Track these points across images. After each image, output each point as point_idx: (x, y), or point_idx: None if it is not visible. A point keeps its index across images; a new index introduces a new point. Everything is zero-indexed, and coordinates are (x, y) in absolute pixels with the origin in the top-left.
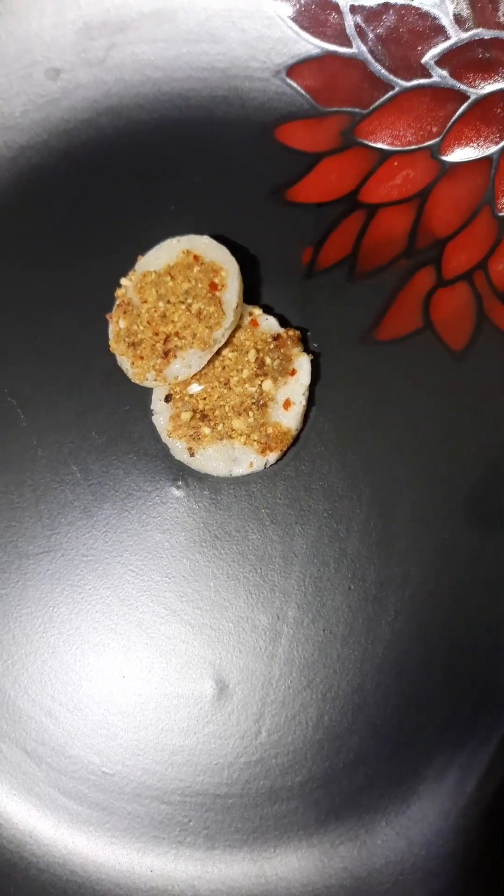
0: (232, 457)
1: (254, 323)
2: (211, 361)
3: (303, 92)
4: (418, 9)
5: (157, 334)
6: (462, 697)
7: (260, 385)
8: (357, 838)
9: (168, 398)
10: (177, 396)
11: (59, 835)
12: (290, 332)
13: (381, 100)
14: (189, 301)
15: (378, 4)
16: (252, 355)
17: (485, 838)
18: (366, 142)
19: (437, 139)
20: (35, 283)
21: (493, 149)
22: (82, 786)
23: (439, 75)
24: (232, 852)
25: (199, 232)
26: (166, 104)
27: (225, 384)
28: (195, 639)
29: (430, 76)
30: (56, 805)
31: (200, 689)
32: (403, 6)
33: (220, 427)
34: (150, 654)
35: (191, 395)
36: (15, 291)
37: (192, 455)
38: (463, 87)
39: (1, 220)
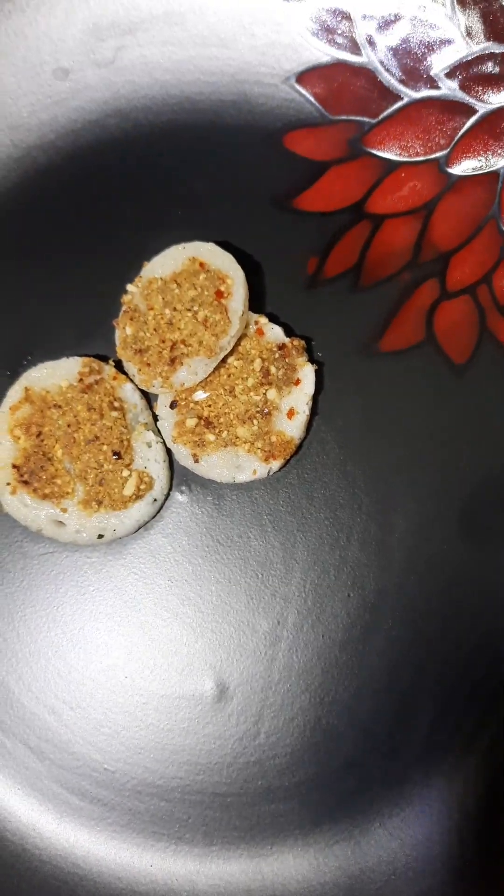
0: (236, 464)
1: (259, 332)
2: (216, 369)
3: (312, 99)
4: (429, 20)
5: (163, 341)
6: (455, 705)
7: (264, 394)
8: (351, 838)
9: (173, 405)
10: (182, 403)
11: (62, 829)
12: (295, 342)
13: (390, 110)
14: (195, 308)
15: (389, 14)
16: (257, 364)
17: (475, 840)
18: (373, 151)
19: (444, 151)
20: (40, 286)
21: (501, 163)
22: (84, 782)
23: (448, 87)
24: (230, 849)
25: (205, 237)
26: (174, 107)
27: (230, 392)
28: (197, 641)
29: (438, 88)
30: (59, 800)
31: (201, 690)
32: (414, 17)
33: (224, 434)
34: (153, 655)
35: (196, 402)
36: (20, 294)
37: (196, 461)
38: (471, 100)
39: (7, 221)
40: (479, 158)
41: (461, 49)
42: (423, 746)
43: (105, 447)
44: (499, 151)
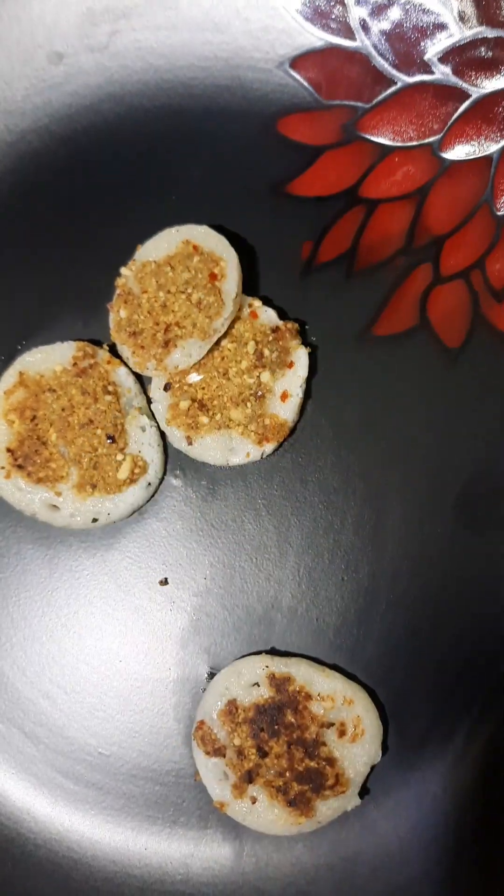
0: (229, 446)
1: (253, 314)
2: (210, 352)
3: (306, 84)
4: (422, 5)
5: (157, 324)
6: (450, 690)
7: (258, 376)
8: (345, 820)
9: (167, 387)
10: (176, 386)
11: (56, 813)
12: (289, 325)
13: (384, 95)
14: (189, 291)
15: None
16: (251, 347)
17: (468, 824)
18: (367, 136)
19: (437, 136)
20: (34, 270)
21: (494, 148)
22: (79, 766)
23: (442, 72)
24: (224, 832)
25: (199, 222)
26: (168, 92)
27: (224, 375)
28: (191, 625)
29: (432, 73)
30: (53, 784)
31: (195, 674)
32: (407, 2)
33: (217, 417)
34: (147, 639)
35: (190, 385)
36: (14, 279)
37: (189, 444)
38: (465, 84)
39: (0, 206)
40: (473, 143)
41: (454, 33)
42: (417, 729)
43: (99, 431)
44: (492, 136)
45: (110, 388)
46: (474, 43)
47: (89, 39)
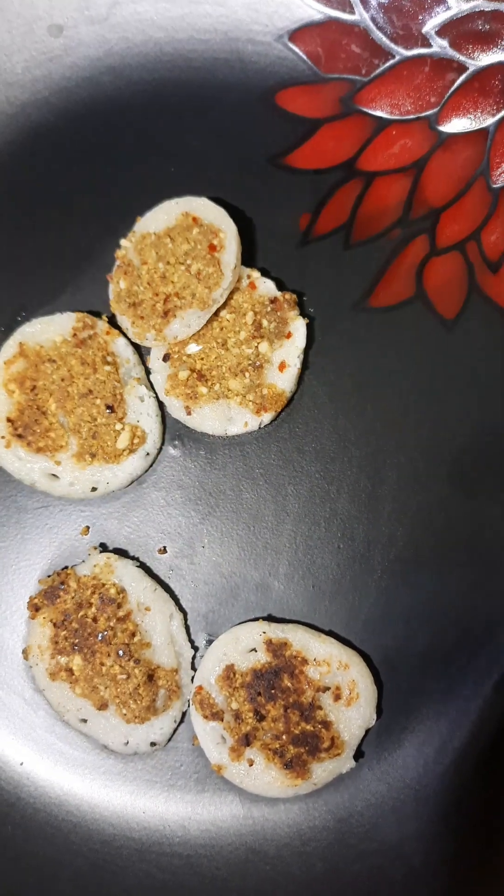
0: (228, 416)
1: (252, 285)
2: (209, 323)
3: (304, 57)
4: None
5: (157, 295)
6: (446, 654)
7: (256, 347)
8: (340, 783)
9: (166, 357)
10: (175, 356)
11: (55, 778)
12: (287, 296)
13: (382, 68)
14: (188, 262)
15: None
16: (249, 317)
17: (461, 785)
18: (365, 109)
19: (435, 109)
20: (34, 241)
21: (490, 121)
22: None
23: (439, 45)
24: (221, 795)
25: (198, 194)
26: (168, 65)
27: (222, 345)
28: (188, 593)
29: (430, 46)
30: (52, 750)
31: (194, 641)
32: None
33: (216, 387)
34: None
35: (189, 355)
36: (14, 250)
37: (188, 414)
38: (462, 58)
39: (0, 178)
40: (469, 116)
41: (452, 6)
42: (411, 693)
43: (98, 401)
44: (488, 109)
45: (109, 359)
46: (472, 16)
47: (89, 11)
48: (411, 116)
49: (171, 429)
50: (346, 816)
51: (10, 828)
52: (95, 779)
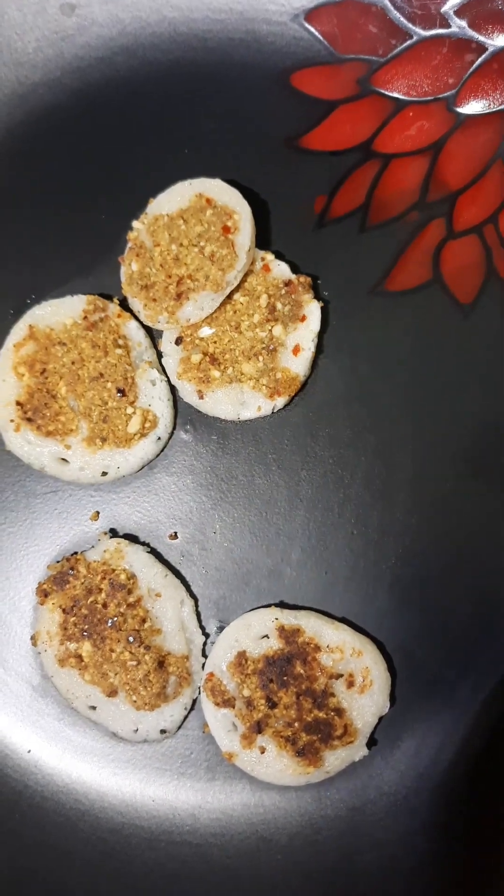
0: (240, 400)
1: (265, 268)
2: (222, 305)
3: (320, 38)
4: None
5: (169, 277)
6: (458, 642)
7: (270, 330)
8: (353, 771)
9: (178, 341)
10: (187, 339)
11: (64, 765)
12: (301, 279)
13: (399, 48)
14: (202, 244)
15: None
16: (263, 300)
17: (474, 773)
18: (382, 90)
19: (453, 91)
20: (45, 223)
21: None
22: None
23: (458, 25)
24: (232, 783)
25: (212, 176)
26: (182, 45)
27: (236, 328)
28: (200, 578)
29: (448, 26)
30: (61, 737)
31: (205, 628)
32: None
33: (229, 371)
34: None
35: (201, 339)
36: (25, 232)
37: (201, 398)
38: (481, 38)
39: (12, 158)
40: (488, 98)
41: None
42: (425, 681)
43: (109, 384)
44: None
45: (120, 342)
46: None
47: None
48: (429, 98)
49: (182, 413)
50: (359, 805)
51: (17, 816)
52: (104, 766)
